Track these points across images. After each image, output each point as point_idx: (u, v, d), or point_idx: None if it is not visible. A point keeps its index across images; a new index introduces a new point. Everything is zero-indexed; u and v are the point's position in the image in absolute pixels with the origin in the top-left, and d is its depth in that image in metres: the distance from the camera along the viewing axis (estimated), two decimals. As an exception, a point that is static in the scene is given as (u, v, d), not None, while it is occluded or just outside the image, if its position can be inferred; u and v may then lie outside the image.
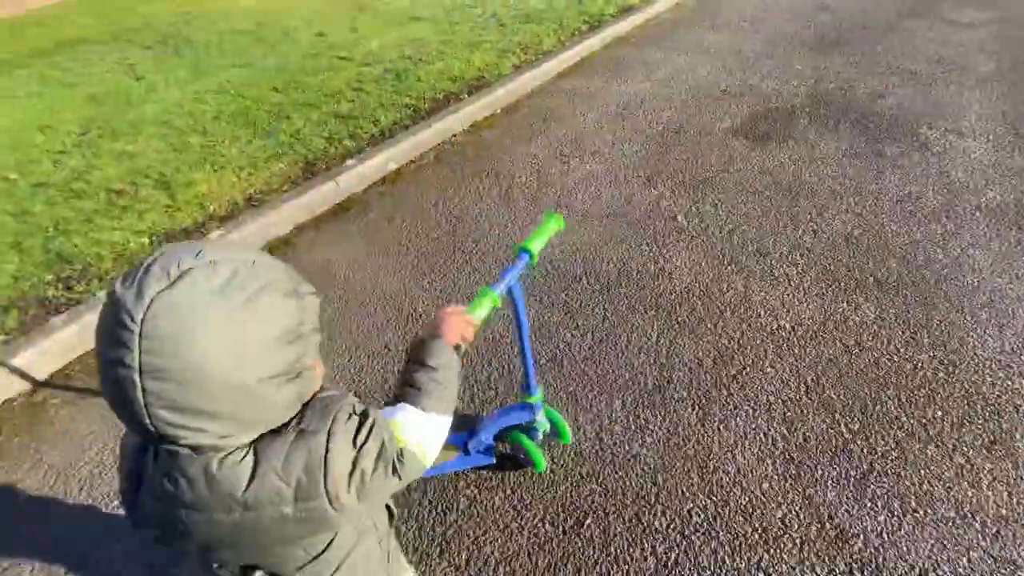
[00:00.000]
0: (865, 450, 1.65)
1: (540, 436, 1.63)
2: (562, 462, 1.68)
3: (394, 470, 0.69)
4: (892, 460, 1.62)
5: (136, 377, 0.49)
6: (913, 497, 1.53)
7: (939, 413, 1.73)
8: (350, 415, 0.65)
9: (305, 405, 0.64)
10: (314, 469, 0.60)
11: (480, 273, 2.43)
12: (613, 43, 4.93)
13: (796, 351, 1.98)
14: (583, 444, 1.72)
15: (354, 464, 0.64)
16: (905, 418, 1.72)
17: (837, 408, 1.78)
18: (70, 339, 2.13)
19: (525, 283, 2.39)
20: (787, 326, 2.08)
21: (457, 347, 0.90)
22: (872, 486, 1.56)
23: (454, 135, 3.61)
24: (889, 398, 1.79)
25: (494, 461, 1.64)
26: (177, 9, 6.20)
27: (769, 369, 1.92)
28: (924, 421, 1.71)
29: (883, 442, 1.67)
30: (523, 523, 1.54)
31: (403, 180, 3.19)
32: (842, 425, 1.73)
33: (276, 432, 0.60)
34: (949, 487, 1.54)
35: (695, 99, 3.82)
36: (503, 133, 3.60)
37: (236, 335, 0.52)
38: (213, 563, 0.72)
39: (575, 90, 4.09)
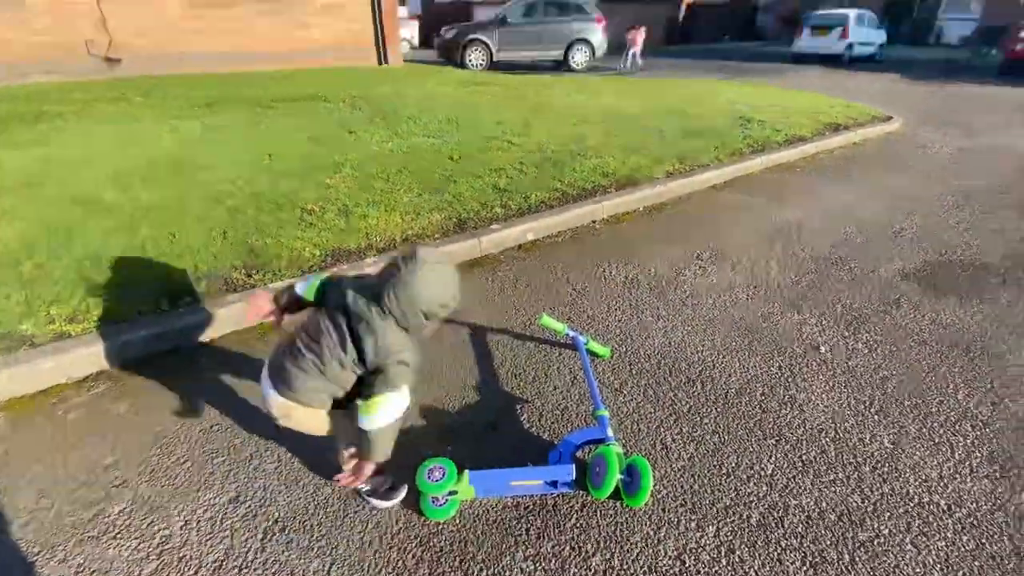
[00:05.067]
0: None
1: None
2: (632, 572, 1.49)
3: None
4: None
5: None
6: None
7: None
8: None
9: None
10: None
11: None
12: (775, 168, 4.87)
13: (949, 535, 1.60)
14: (660, 560, 1.53)
15: None
16: None
17: (1006, 628, 1.37)
18: (234, 315, 2.50)
19: (627, 365, 2.32)
20: (942, 504, 1.70)
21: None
22: None
23: (594, 221, 3.75)
24: (1090, 642, 1.34)
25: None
26: (396, 91, 7.58)
27: (909, 547, 1.56)
28: None
29: None
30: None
31: (537, 250, 3.36)
32: (1011, 653, 1.32)
33: None
34: None
35: (861, 235, 3.56)
36: (643, 229, 3.66)
37: None
38: None
39: (726, 203, 4.06)
